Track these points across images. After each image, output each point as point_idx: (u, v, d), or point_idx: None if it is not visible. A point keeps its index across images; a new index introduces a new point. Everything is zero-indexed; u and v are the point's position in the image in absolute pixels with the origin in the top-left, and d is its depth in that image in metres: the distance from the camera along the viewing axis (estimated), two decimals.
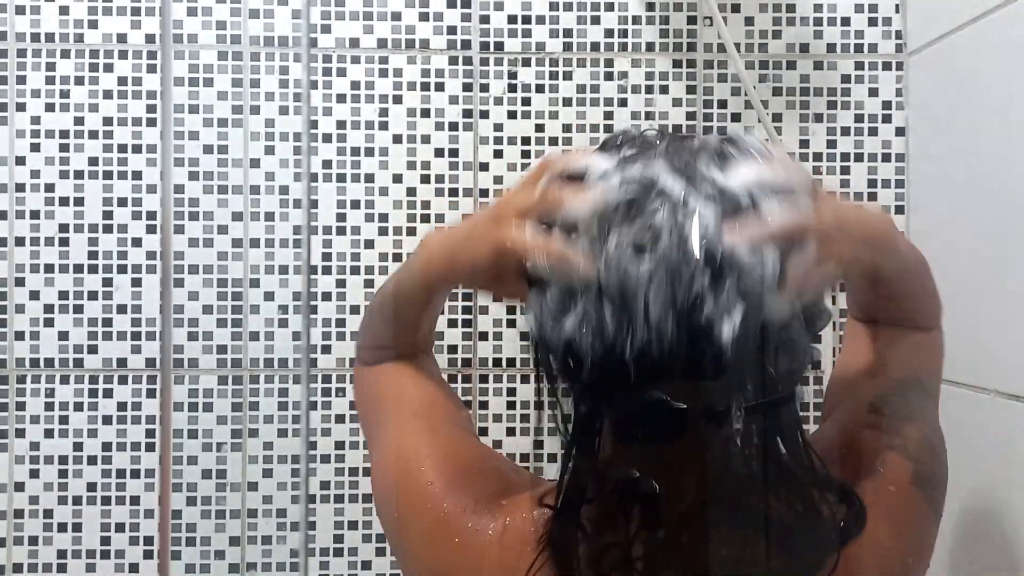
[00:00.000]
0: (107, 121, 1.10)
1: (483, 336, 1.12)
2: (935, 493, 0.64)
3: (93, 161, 1.10)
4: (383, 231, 1.11)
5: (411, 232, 1.11)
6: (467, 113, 1.12)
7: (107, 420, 1.09)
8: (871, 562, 0.58)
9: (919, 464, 0.62)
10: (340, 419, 1.11)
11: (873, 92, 1.12)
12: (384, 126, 1.11)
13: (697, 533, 0.55)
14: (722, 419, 0.54)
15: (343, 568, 1.10)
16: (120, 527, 1.09)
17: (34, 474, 1.09)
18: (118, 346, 1.10)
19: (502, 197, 0.60)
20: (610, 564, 0.55)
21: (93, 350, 1.10)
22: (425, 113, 1.12)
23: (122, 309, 1.10)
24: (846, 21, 1.13)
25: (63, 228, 1.10)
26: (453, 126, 1.12)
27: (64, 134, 1.10)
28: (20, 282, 1.09)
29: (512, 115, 1.12)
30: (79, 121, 1.10)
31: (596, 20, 1.12)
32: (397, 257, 1.11)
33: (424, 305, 0.70)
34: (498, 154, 1.12)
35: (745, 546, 0.55)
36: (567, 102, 1.12)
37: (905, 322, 0.71)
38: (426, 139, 1.12)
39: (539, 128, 1.12)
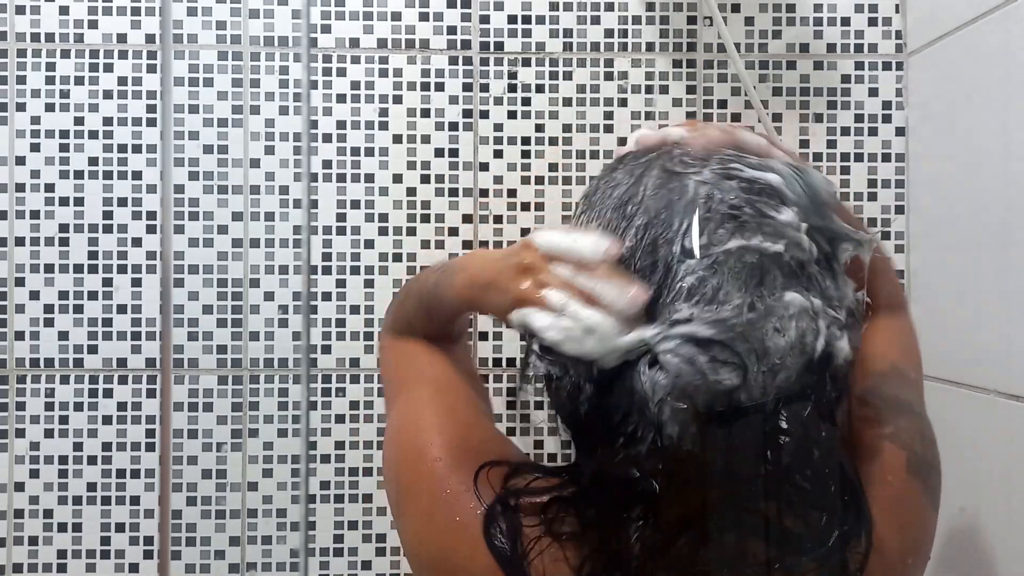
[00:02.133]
0: (107, 121, 1.10)
1: (483, 336, 1.12)
2: (931, 482, 0.64)
3: (93, 161, 1.10)
4: (383, 231, 1.11)
5: (411, 232, 1.11)
6: (467, 113, 1.12)
7: (107, 420, 1.09)
8: (873, 557, 0.57)
9: (914, 453, 0.62)
10: (340, 419, 1.11)
11: (873, 92, 1.12)
12: (384, 126, 1.11)
13: (703, 535, 0.55)
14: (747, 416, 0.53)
15: (343, 568, 1.10)
16: (120, 527, 1.09)
17: (34, 474, 1.09)
18: (118, 346, 1.10)
19: (529, 246, 0.59)
20: (609, 559, 0.55)
21: (93, 350, 1.10)
22: (425, 113, 1.12)
23: (122, 309, 1.10)
24: (846, 21, 1.13)
25: (63, 228, 1.10)
26: (453, 126, 1.12)
27: (64, 134, 1.10)
28: (20, 282, 1.09)
29: (512, 115, 1.12)
30: (79, 121, 1.10)
31: (596, 20, 1.12)
32: (397, 257, 1.11)
33: (455, 317, 0.73)
34: (498, 154, 1.12)
35: (747, 549, 0.55)
36: (567, 102, 1.12)
37: (872, 306, 0.70)
38: (426, 139, 1.12)
39: (539, 128, 1.12)
